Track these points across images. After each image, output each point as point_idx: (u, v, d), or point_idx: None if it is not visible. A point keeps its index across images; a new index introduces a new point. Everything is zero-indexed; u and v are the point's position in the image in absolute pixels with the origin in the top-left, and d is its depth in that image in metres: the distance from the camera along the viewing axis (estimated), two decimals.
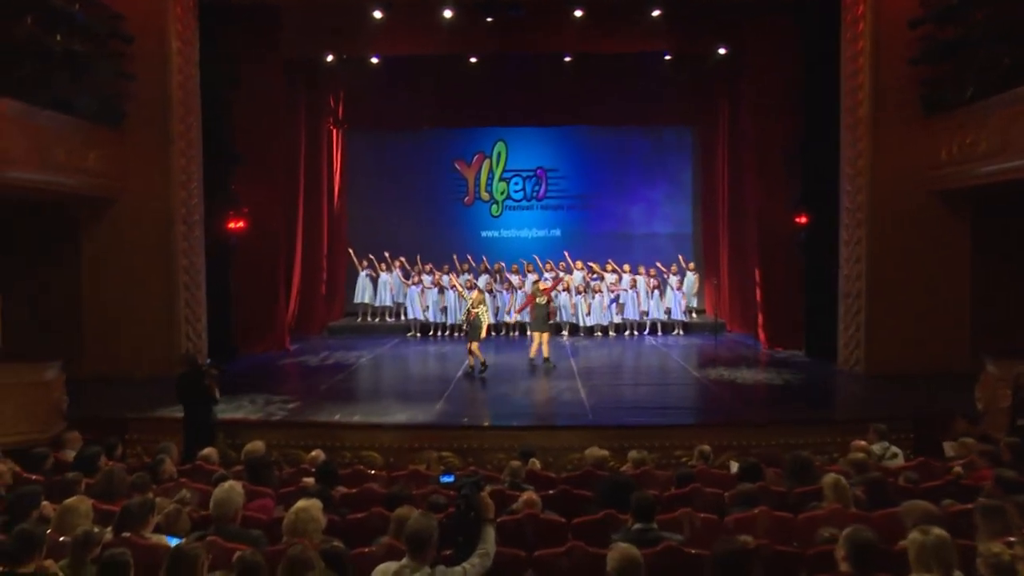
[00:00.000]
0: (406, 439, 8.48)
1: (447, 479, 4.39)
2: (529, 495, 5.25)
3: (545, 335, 12.11)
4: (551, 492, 6.02)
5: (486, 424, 8.83)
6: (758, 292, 14.77)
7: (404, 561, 3.68)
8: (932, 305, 11.27)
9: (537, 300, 12.17)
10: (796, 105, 13.60)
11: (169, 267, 11.82)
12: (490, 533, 3.88)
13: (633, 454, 6.96)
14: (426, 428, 8.65)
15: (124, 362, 11.44)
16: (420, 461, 7.16)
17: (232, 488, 5.07)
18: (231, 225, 13.49)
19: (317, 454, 6.94)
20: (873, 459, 6.97)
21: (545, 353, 12.14)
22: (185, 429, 8.33)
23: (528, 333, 16.09)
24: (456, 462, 8.35)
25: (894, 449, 7.45)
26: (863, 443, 7.20)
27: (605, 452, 7.00)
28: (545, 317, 12.11)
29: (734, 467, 7.34)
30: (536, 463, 7.22)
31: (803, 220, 13.16)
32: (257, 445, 6.96)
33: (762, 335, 14.65)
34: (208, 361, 8.20)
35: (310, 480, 6.20)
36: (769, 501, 5.55)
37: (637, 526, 4.49)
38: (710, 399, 10.16)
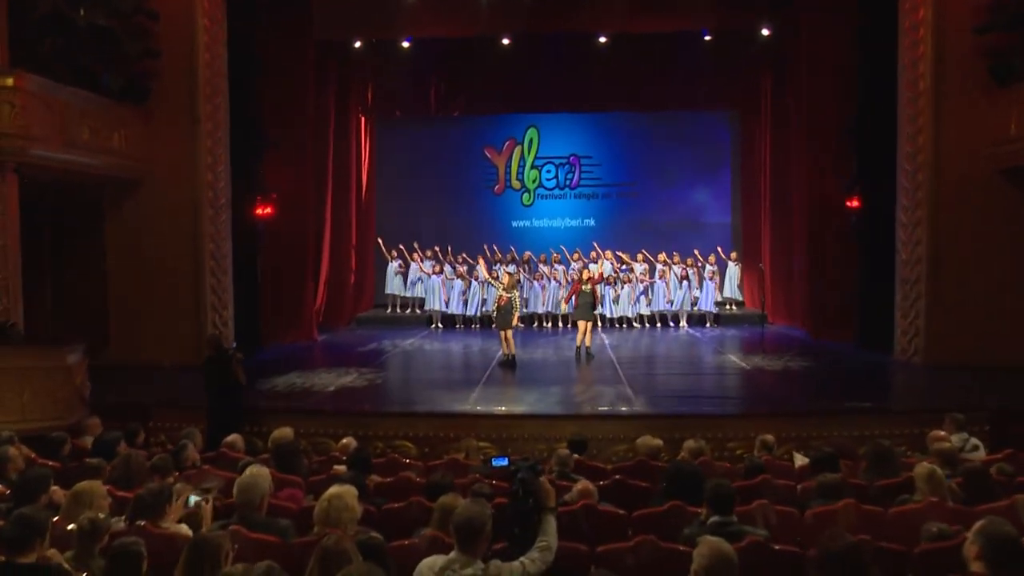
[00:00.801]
0: (441, 428, 8.00)
1: (500, 462, 3.88)
2: (584, 484, 4.72)
3: (589, 324, 11.54)
4: (604, 483, 5.49)
5: (525, 413, 8.30)
6: (805, 281, 14.11)
7: (452, 555, 3.19)
8: (999, 291, 10.53)
9: (583, 288, 11.60)
10: (849, 82, 12.92)
11: (196, 252, 11.48)
12: (551, 523, 3.37)
13: (689, 443, 6.40)
14: (462, 417, 8.15)
15: (149, 349, 11.10)
16: (458, 450, 6.67)
17: (258, 474, 4.64)
18: (259, 211, 13.13)
19: (348, 441, 6.48)
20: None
21: (587, 343, 11.58)
22: (210, 416, 7.92)
23: (570, 323, 15.71)
24: (495, 453, 7.84)
25: (974, 441, 6.79)
26: (942, 433, 6.56)
27: (659, 441, 6.45)
28: (590, 305, 11.53)
29: (799, 459, 6.76)
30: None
31: (856, 203, 12.46)
32: (285, 432, 6.52)
33: (809, 325, 13.97)
34: (233, 346, 7.80)
35: (342, 468, 5.74)
36: (850, 495, 4.97)
37: (714, 519, 3.95)
38: (761, 388, 9.55)
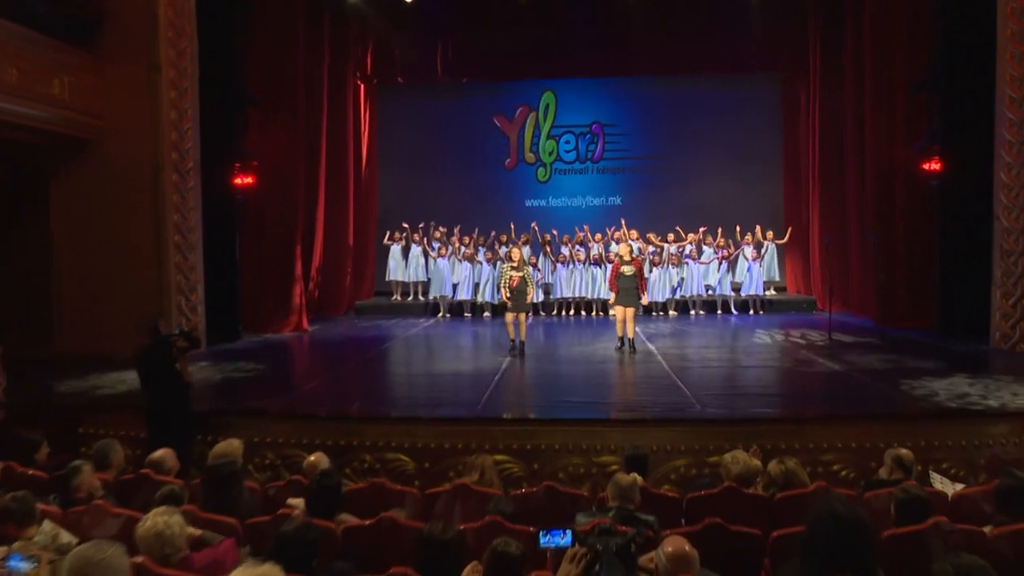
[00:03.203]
0: (447, 436, 6.18)
1: (555, 539, 2.06)
2: (676, 544, 2.87)
3: (630, 311, 9.62)
4: (685, 528, 3.69)
5: (554, 418, 6.46)
6: (868, 259, 12.25)
7: None
8: None
9: (622, 270, 9.74)
10: (922, 29, 11.07)
11: (157, 225, 9.72)
12: None
13: (775, 466, 4.50)
14: (473, 422, 6.34)
15: (104, 339, 9.32)
16: (469, 469, 4.83)
17: (162, 528, 2.90)
18: (238, 180, 11.35)
19: (318, 459, 4.67)
20: None
21: (630, 333, 9.71)
22: (150, 421, 6.15)
23: (599, 310, 13.92)
24: (516, 469, 6.04)
25: None
26: None
27: (757, 462, 4.59)
28: (632, 290, 9.62)
29: (940, 482, 4.92)
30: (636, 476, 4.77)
31: (937, 166, 10.55)
32: (229, 447, 4.75)
33: (874, 311, 12.09)
34: (178, 329, 6.05)
35: (298, 504, 3.94)
36: None
37: None
38: (845, 386, 7.65)
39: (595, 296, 13.99)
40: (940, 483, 4.95)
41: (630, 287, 9.55)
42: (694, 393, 7.03)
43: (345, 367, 9.28)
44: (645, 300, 9.87)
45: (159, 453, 4.87)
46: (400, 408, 6.95)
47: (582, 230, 14.63)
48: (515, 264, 9.65)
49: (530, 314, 9.73)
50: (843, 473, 5.90)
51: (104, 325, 9.45)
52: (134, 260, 9.67)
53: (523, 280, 9.51)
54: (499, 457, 6.01)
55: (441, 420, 6.38)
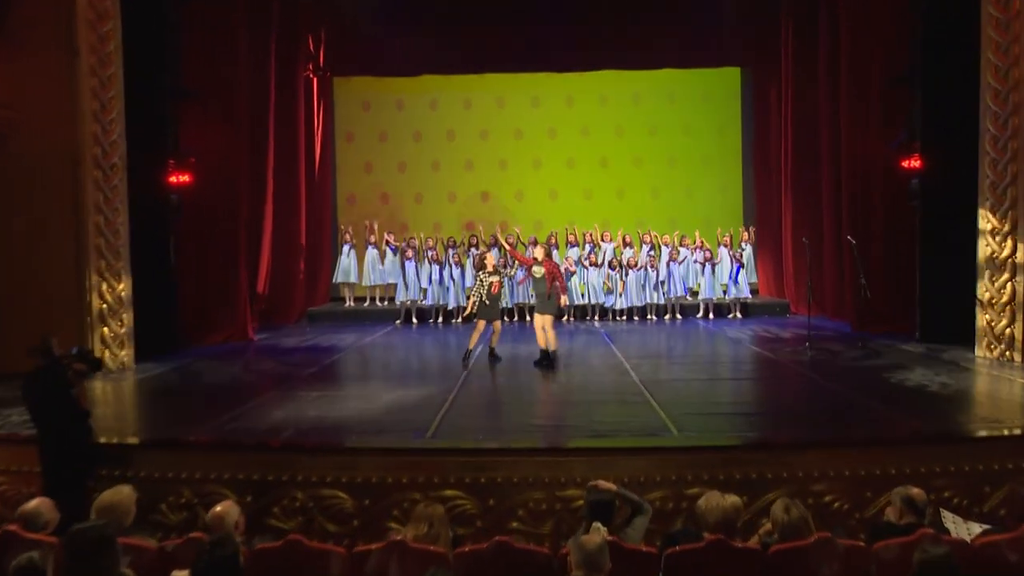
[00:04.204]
0: (391, 469, 5.41)
1: None
2: None
3: (547, 319, 8.73)
4: None
5: (509, 447, 5.72)
6: (844, 261, 11.75)
7: None
8: None
9: (533, 271, 9.05)
10: (899, 20, 10.59)
11: (77, 227, 8.79)
12: None
13: (780, 512, 3.79)
14: (421, 453, 5.58)
15: (12, 355, 8.34)
16: (416, 520, 3.98)
17: None
18: (173, 178, 10.45)
19: (224, 510, 3.87)
20: None
21: (553, 345, 8.87)
22: (43, 457, 5.28)
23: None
24: (469, 506, 5.30)
25: None
26: None
27: (735, 499, 3.91)
28: (545, 296, 8.89)
29: (954, 523, 4.30)
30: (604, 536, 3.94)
31: (917, 163, 10.05)
32: (117, 496, 3.93)
33: (851, 315, 11.57)
34: (75, 350, 5.20)
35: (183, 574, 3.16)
36: None
37: None
38: (832, 404, 7.02)
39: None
40: (953, 523, 4.34)
41: (542, 291, 8.86)
42: (669, 413, 6.35)
43: (283, 385, 8.23)
44: (564, 301, 9.13)
45: (33, 503, 4.03)
46: (339, 435, 6.14)
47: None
48: (489, 270, 8.97)
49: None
50: (836, 505, 5.27)
51: (13, 340, 8.44)
52: (51, 267, 8.73)
53: (492, 286, 8.83)
54: (450, 493, 5.29)
55: (385, 450, 5.61)
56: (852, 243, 10.16)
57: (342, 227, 14.75)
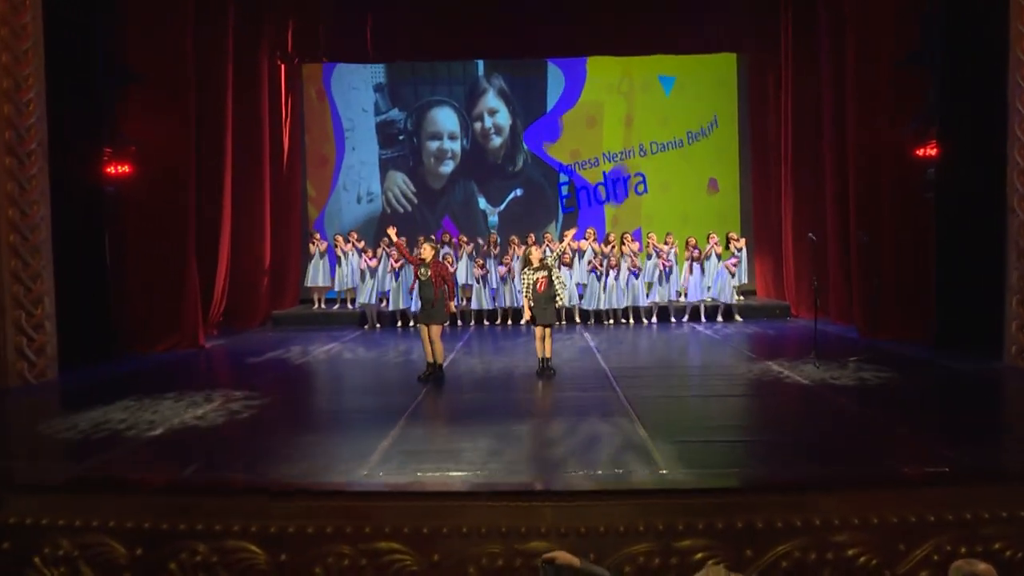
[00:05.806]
0: (312, 517, 4.37)
1: None
2: None
3: (435, 329, 7.72)
4: None
5: (467, 490, 4.69)
6: (851, 260, 10.77)
7: None
8: None
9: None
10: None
11: None
12: None
13: None
14: (351, 496, 4.54)
15: None
16: None
17: None
18: (109, 169, 9.42)
19: None
20: None
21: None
22: None
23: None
24: (409, 562, 4.28)
25: None
26: None
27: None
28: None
29: None
30: None
31: (933, 151, 9.08)
32: None
33: (858, 319, 10.60)
34: None
35: None
36: None
37: None
38: (853, 431, 5.97)
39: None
40: None
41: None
42: (657, 443, 5.32)
43: (200, 406, 6.88)
44: (452, 308, 8.07)
45: None
46: (256, 471, 5.08)
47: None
48: (536, 265, 7.97)
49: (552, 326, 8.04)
50: (862, 560, 4.25)
51: None
52: None
53: (550, 283, 7.86)
54: (384, 545, 4.27)
55: (306, 492, 4.56)
56: (866, 240, 9.20)
57: (312, 230, 13.82)
